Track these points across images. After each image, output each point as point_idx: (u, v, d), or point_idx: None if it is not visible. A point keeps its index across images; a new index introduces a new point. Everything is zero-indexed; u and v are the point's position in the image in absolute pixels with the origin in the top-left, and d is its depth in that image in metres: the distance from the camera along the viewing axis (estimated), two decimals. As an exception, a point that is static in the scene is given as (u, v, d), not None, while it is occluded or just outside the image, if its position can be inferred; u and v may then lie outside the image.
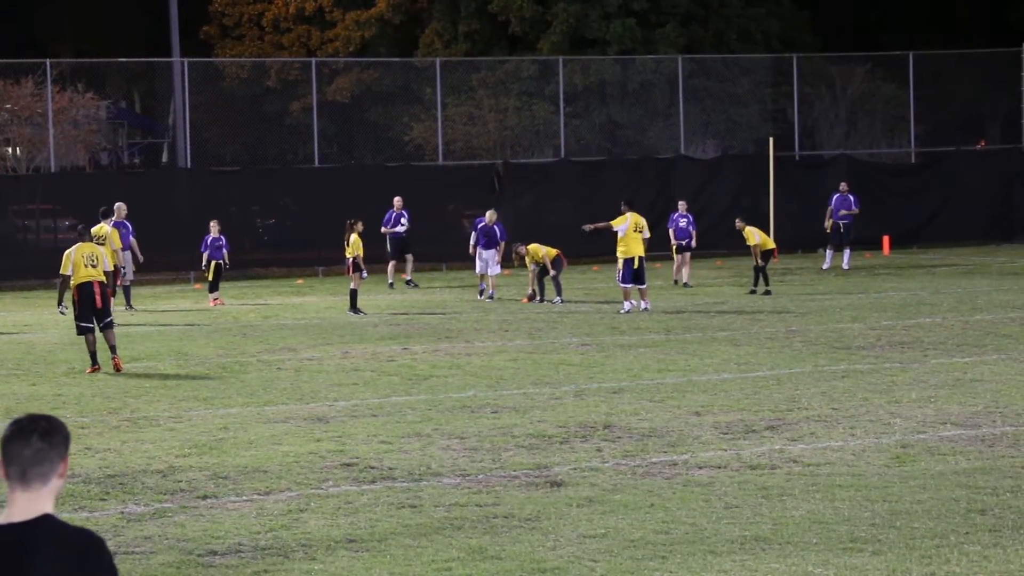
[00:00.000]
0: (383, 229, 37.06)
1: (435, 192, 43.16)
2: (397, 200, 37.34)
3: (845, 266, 39.48)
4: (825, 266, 39.76)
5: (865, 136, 52.80)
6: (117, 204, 31.70)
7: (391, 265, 37.07)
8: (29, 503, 4.94)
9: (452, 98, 48.45)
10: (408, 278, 37.05)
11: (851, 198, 40.22)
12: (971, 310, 28.27)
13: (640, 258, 29.50)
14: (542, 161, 47.35)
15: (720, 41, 54.63)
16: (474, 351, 23.72)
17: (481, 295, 33.40)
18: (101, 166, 52.87)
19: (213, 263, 32.84)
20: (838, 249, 40.01)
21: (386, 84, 51.53)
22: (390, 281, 36.84)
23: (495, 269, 33.40)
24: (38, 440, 4.94)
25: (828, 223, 40.15)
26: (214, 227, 33.03)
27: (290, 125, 50.68)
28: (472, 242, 34.20)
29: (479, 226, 34.13)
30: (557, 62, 48.26)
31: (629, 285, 29.37)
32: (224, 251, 33.07)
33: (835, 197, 40.37)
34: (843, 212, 39.98)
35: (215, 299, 32.95)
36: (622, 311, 29.20)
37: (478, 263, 33.65)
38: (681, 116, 47.79)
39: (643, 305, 29.42)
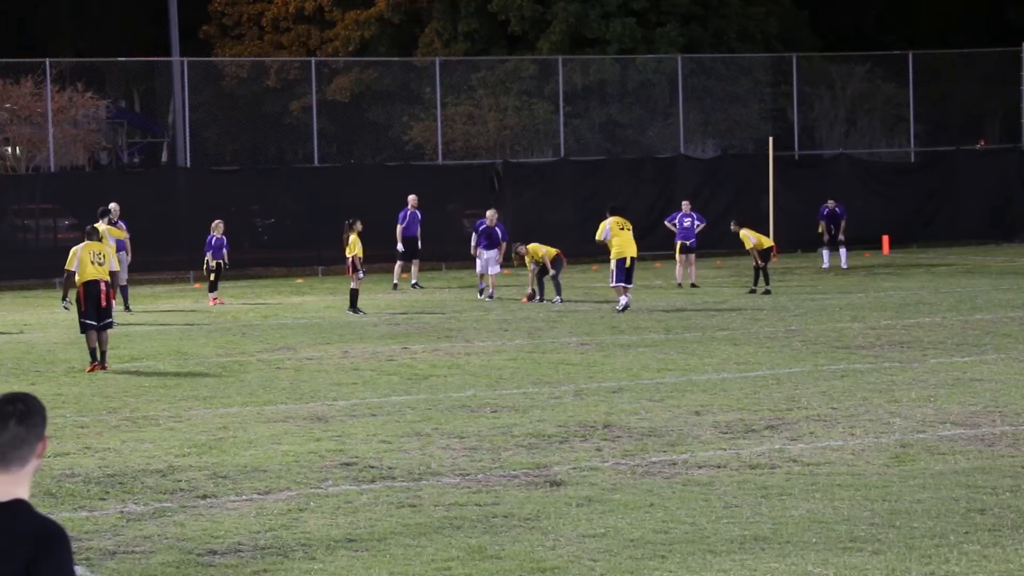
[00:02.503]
0: (399, 227, 36.47)
1: (435, 192, 43.15)
2: (412, 198, 36.94)
3: (843, 265, 39.57)
4: (824, 265, 39.91)
5: (865, 136, 52.80)
6: (111, 205, 31.73)
7: (398, 266, 36.73)
8: (4, 486, 4.95)
9: (452, 98, 48.46)
10: (414, 281, 36.80)
11: (838, 210, 40.36)
12: (971, 310, 28.26)
13: (632, 258, 29.66)
14: (542, 161, 47.34)
15: (720, 41, 54.63)
16: (474, 351, 23.72)
17: (481, 294, 33.40)
18: (101, 166, 52.87)
19: (215, 263, 32.91)
20: (834, 248, 40.19)
21: (386, 84, 51.53)
22: (395, 282, 36.63)
23: (495, 269, 33.40)
24: (15, 425, 4.96)
25: (821, 228, 40.48)
26: (219, 227, 33.12)
27: (290, 125, 50.70)
28: (473, 243, 34.16)
29: (480, 227, 34.10)
30: (557, 62, 48.27)
31: (621, 284, 29.50)
32: (224, 251, 33.13)
33: (824, 210, 40.57)
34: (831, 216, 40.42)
35: (214, 298, 33.00)
36: (619, 308, 29.27)
37: (479, 263, 33.65)
38: (681, 116, 47.79)
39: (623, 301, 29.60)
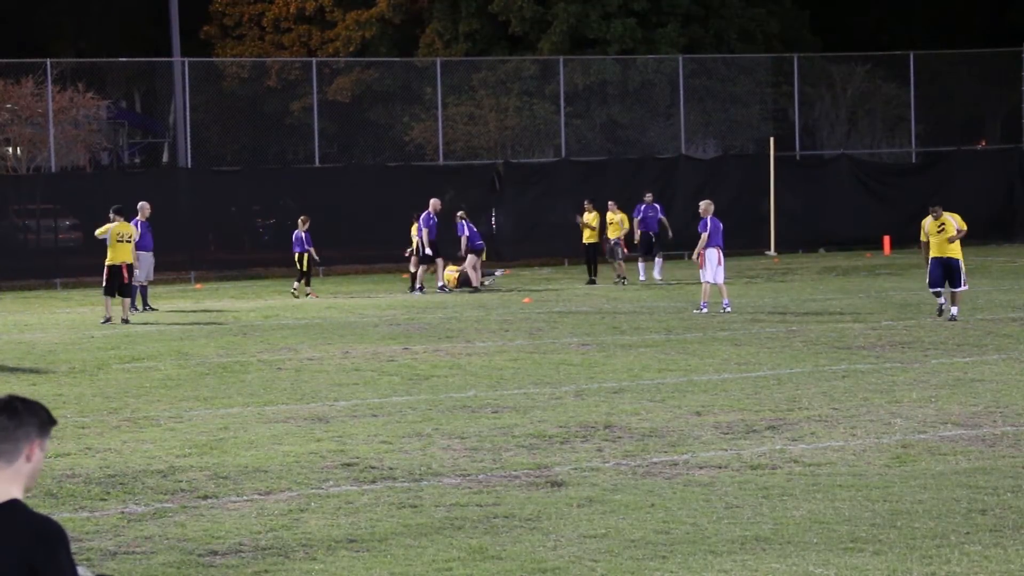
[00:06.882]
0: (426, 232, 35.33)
1: (435, 192, 43.11)
2: (434, 201, 35.92)
3: (657, 276, 37.14)
4: (641, 278, 37.06)
5: (865, 136, 52.84)
6: (140, 204, 32.25)
7: (422, 268, 36.01)
8: None
9: (452, 98, 48.46)
10: (441, 283, 36.11)
11: (657, 207, 38.04)
12: (971, 310, 28.23)
13: (946, 259, 26.40)
14: (542, 161, 47.36)
15: (720, 41, 54.64)
16: (474, 351, 23.71)
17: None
18: (101, 166, 52.87)
19: (303, 256, 34.13)
20: (648, 259, 37.52)
21: (386, 84, 51.53)
22: (420, 285, 35.64)
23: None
24: (5, 419, 4.93)
25: (637, 235, 37.60)
26: (305, 222, 34.18)
27: (290, 125, 50.69)
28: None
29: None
30: (557, 62, 48.27)
31: (939, 289, 26.68)
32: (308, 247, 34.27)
33: (642, 207, 37.94)
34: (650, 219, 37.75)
35: (309, 292, 34.32)
36: (948, 316, 26.49)
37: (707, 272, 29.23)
38: (682, 116, 47.79)
39: (953, 311, 26.51)
